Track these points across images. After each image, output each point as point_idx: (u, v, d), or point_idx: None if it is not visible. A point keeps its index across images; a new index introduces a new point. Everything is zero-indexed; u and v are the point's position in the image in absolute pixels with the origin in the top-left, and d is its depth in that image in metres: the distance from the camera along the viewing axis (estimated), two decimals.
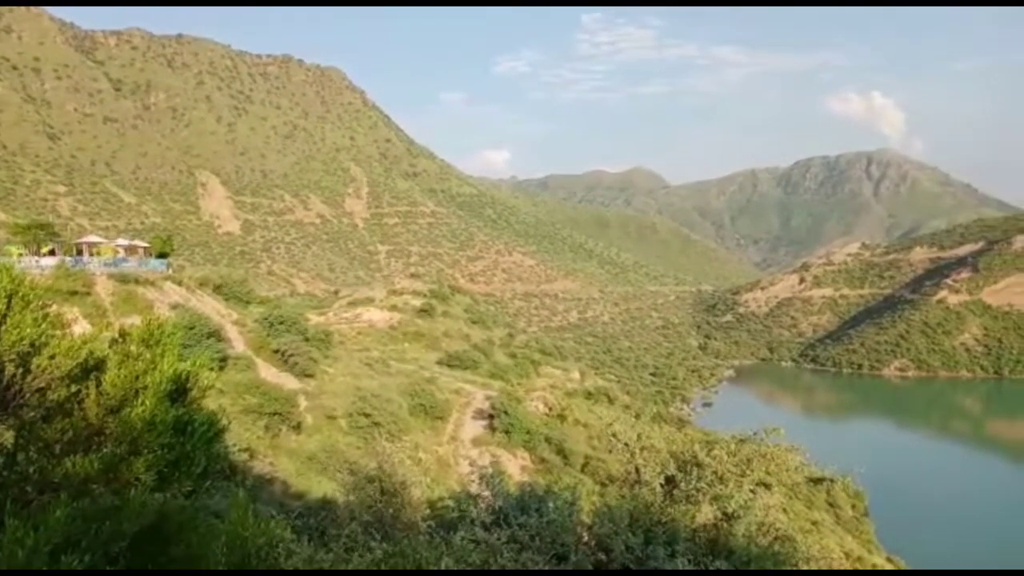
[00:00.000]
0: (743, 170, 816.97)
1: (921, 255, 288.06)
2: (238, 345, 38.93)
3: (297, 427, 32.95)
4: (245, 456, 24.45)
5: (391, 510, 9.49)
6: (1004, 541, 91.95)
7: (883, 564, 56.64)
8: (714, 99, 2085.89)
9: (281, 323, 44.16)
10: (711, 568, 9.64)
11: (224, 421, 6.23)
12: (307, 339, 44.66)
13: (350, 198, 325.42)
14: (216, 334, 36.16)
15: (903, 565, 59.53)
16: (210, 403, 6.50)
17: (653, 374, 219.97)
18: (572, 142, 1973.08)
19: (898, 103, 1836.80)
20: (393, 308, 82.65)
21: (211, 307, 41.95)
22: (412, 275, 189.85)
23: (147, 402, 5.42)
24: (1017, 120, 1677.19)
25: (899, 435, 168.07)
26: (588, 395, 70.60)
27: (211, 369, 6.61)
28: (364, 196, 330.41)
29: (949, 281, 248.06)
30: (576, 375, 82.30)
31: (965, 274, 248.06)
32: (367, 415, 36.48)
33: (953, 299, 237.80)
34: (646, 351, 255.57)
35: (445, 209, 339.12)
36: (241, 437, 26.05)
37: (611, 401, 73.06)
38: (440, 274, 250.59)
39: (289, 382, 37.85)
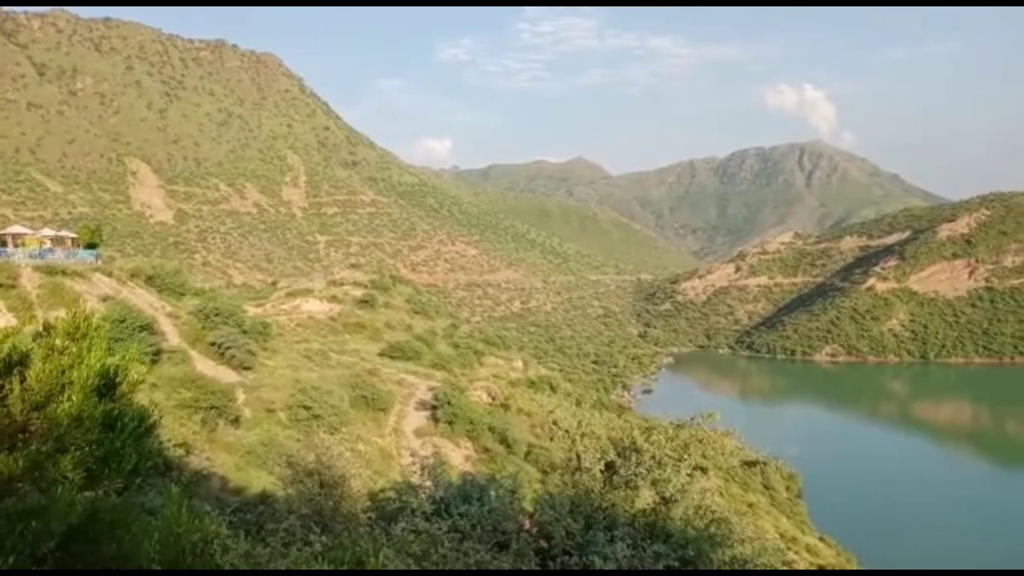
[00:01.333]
0: (681, 161, 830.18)
1: (851, 244, 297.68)
2: (172, 338, 37.95)
3: (235, 421, 32.32)
4: (180, 452, 23.89)
5: (331, 503, 9.41)
6: (928, 520, 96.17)
7: (816, 544, 58.62)
8: (653, 90, 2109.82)
9: (217, 315, 43.17)
10: (650, 551, 9.83)
11: (156, 416, 6.09)
12: (244, 331, 43.78)
13: (288, 187, 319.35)
14: (149, 327, 35.18)
15: (834, 544, 61.74)
16: (142, 398, 6.34)
17: (595, 362, 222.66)
18: (514, 132, 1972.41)
19: (829, 96, 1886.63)
20: (333, 299, 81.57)
21: (143, 299, 40.77)
22: (352, 265, 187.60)
23: (74, 397, 5.26)
24: (939, 111, 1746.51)
25: (831, 419, 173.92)
26: (531, 384, 71.04)
27: (143, 363, 6.45)
28: (302, 185, 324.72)
29: (877, 269, 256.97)
30: (519, 364, 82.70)
31: (892, 262, 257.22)
32: (307, 408, 36.00)
33: (881, 286, 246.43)
34: (588, 340, 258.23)
35: (386, 198, 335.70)
36: (176, 432, 25.45)
37: (553, 390, 73.66)
38: (381, 264, 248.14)
39: (226, 375, 37.10)
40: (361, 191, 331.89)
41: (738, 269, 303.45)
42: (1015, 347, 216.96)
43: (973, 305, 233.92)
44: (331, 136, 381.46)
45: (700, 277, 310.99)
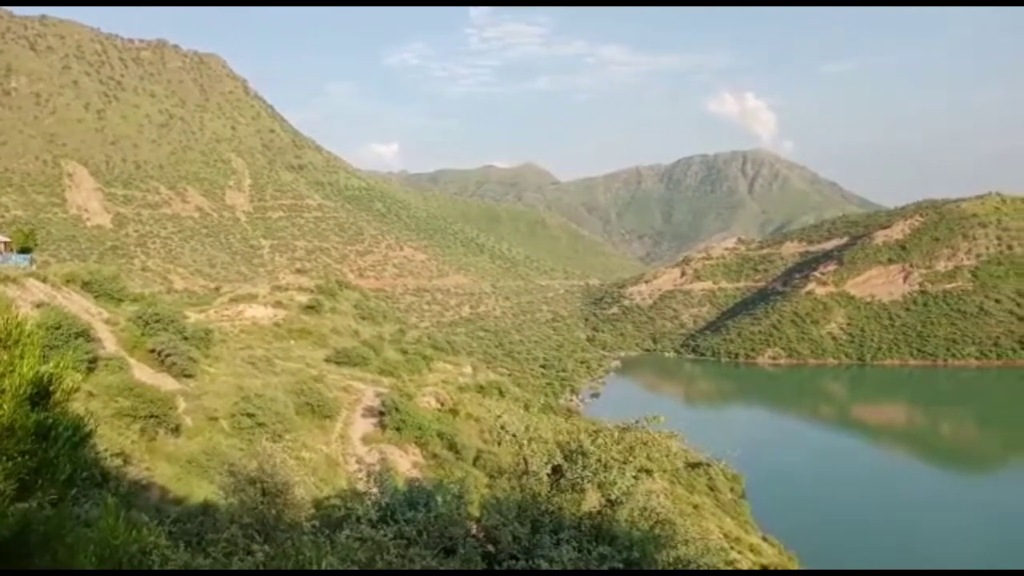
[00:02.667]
0: (628, 167, 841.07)
1: (792, 249, 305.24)
2: (109, 345, 36.87)
3: (176, 430, 31.54)
4: (118, 462, 23.24)
5: (273, 511, 9.27)
6: (867, 518, 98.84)
7: (759, 544, 59.85)
8: (601, 97, 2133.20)
9: (157, 321, 42.08)
10: (595, 553, 9.93)
11: (92, 425, 5.95)
12: (186, 338, 42.78)
13: (231, 190, 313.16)
14: (85, 334, 34.10)
15: (777, 544, 63.16)
16: (77, 407, 6.19)
17: (543, 366, 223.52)
18: (463, 136, 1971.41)
19: (770, 105, 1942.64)
20: (278, 304, 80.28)
21: (79, 305, 39.54)
22: (298, 270, 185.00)
23: (5, 406, 5.12)
24: (876, 122, 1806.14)
25: (774, 420, 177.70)
26: (480, 389, 70.97)
27: (78, 371, 6.31)
28: (246, 188, 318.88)
29: (817, 274, 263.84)
30: (468, 369, 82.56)
31: (831, 267, 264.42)
32: (251, 415, 35.34)
33: (820, 291, 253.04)
34: (537, 344, 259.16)
35: (333, 202, 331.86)
36: (113, 442, 24.74)
37: (502, 394, 73.69)
38: (328, 269, 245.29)
39: (167, 383, 36.19)
40: (307, 195, 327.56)
41: (683, 274, 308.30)
42: (948, 349, 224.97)
43: (907, 309, 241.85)
44: (276, 139, 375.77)
45: (646, 282, 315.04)
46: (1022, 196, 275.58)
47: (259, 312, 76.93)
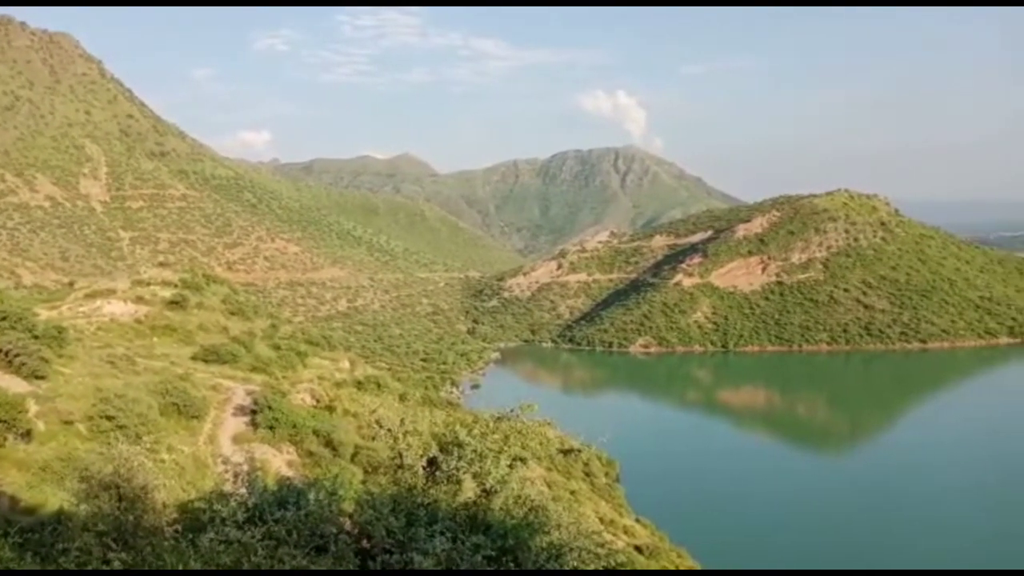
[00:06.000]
0: (506, 161, 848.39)
1: (661, 242, 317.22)
2: None
3: (27, 435, 29.33)
4: None
5: (131, 517, 8.83)
6: (730, 494, 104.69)
7: (633, 526, 62.09)
8: (478, 90, 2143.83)
9: (3, 319, 39.03)
10: (469, 543, 10.05)
11: None
12: (36, 336, 39.84)
13: (86, 179, 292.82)
14: None
15: (649, 524, 65.73)
16: None
17: (424, 360, 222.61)
18: (337, 125, 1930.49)
19: (640, 103, 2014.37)
20: (139, 300, 75.85)
21: None
22: (161, 264, 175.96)
23: None
24: (733, 121, 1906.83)
25: (645, 406, 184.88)
26: (358, 384, 69.68)
27: None
28: (103, 177, 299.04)
29: (684, 266, 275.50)
30: (346, 364, 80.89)
31: (697, 259, 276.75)
32: (110, 418, 33.27)
33: (687, 282, 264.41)
34: (417, 337, 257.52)
35: (198, 192, 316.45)
36: None
37: (381, 389, 72.72)
38: (193, 262, 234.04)
39: (15, 385, 33.58)
40: (170, 184, 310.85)
41: (559, 266, 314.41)
42: (802, 336, 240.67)
43: (766, 298, 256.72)
44: (136, 125, 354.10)
45: (525, 274, 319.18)
46: (867, 193, 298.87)
47: (118, 308, 72.49)
